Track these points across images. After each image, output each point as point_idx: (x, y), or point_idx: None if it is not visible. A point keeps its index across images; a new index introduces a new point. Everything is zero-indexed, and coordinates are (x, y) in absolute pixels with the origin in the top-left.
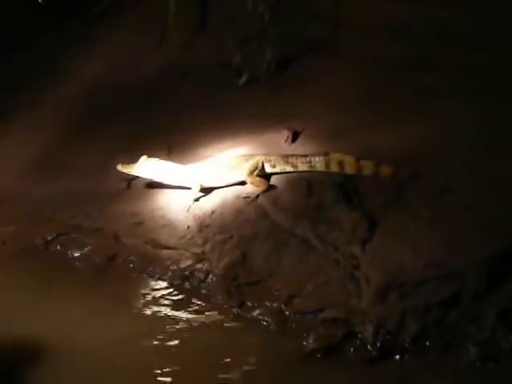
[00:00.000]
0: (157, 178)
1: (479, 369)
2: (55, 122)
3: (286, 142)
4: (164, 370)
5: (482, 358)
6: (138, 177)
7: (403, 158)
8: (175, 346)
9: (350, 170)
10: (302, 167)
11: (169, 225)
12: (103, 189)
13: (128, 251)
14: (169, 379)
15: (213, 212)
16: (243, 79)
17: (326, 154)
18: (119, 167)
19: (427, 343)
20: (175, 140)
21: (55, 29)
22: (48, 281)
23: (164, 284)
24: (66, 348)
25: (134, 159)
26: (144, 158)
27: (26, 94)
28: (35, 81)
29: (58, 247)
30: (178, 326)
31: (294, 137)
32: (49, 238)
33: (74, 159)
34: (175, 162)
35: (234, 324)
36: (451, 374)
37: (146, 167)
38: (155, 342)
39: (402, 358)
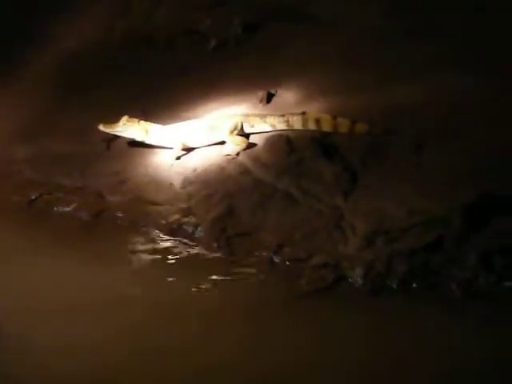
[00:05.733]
0: (138, 138)
1: (462, 306)
2: (33, 91)
3: (260, 102)
4: (158, 323)
5: (465, 296)
6: (118, 137)
7: (377, 117)
8: (170, 296)
9: (326, 127)
10: (280, 126)
11: (152, 182)
12: (82, 150)
13: (114, 208)
14: (167, 330)
15: (195, 169)
16: (212, 44)
17: (303, 113)
18: (101, 127)
19: (414, 284)
20: (149, 102)
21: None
22: (34, 239)
23: (152, 238)
24: (56, 305)
25: (114, 121)
26: (125, 118)
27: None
28: (12, 52)
29: (43, 205)
30: (169, 278)
31: (269, 98)
32: (32, 198)
33: (53, 124)
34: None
35: (227, 274)
36: (436, 311)
37: (128, 127)
38: (146, 295)
39: (390, 298)
